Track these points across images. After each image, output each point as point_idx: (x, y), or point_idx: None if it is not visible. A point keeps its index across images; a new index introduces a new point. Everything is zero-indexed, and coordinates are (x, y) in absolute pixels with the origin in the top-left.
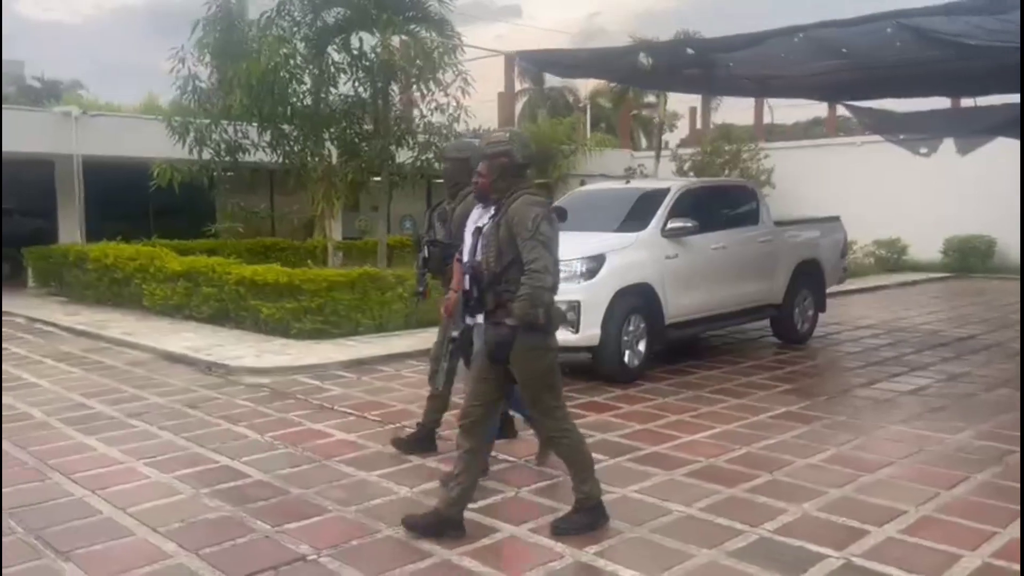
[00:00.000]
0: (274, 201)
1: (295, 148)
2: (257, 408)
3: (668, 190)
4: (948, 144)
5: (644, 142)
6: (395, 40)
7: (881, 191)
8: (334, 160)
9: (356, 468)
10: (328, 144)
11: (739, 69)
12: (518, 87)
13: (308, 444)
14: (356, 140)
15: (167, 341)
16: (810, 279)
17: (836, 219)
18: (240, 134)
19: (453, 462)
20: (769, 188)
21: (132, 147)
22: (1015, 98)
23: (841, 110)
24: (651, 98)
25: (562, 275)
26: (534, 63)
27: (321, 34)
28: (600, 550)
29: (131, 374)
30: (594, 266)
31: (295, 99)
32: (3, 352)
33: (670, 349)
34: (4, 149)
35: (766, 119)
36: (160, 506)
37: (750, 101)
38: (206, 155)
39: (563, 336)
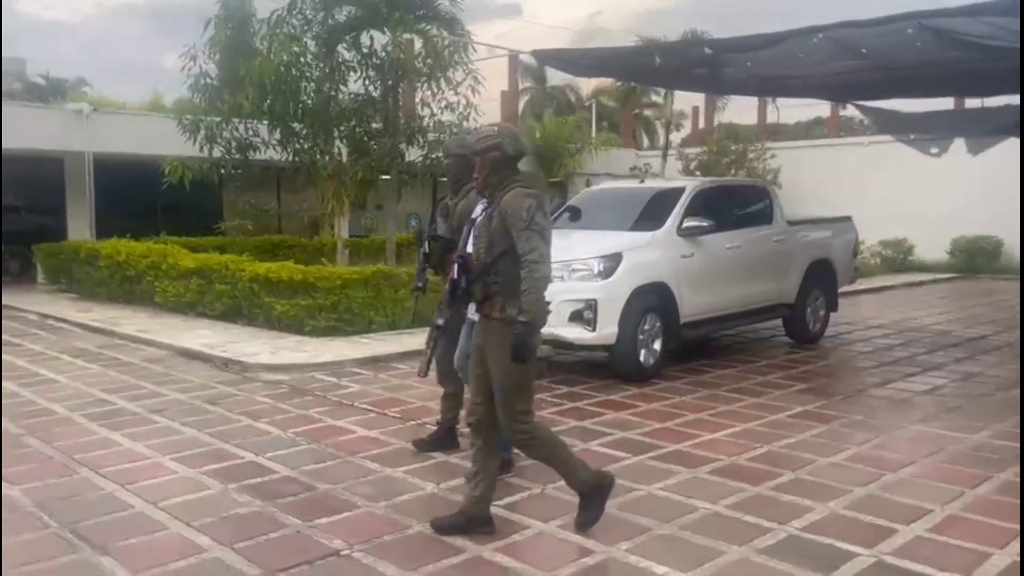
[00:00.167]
0: (281, 199)
1: (305, 146)
2: (277, 404)
3: (683, 189)
4: (957, 144)
5: (646, 141)
6: (406, 38)
7: (887, 191)
8: (344, 158)
9: (381, 464)
10: (338, 142)
11: (758, 69)
12: (520, 86)
13: (331, 441)
14: (365, 138)
15: (182, 338)
16: (822, 279)
17: (848, 219)
18: (251, 132)
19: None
20: (776, 188)
21: (142, 145)
22: None
23: (844, 110)
24: (655, 97)
25: (579, 273)
26: (549, 62)
27: (332, 32)
28: (631, 546)
29: (148, 370)
30: (611, 265)
31: (306, 97)
32: (19, 348)
33: (683, 348)
34: (16, 146)
35: (772, 119)
36: (190, 501)
37: (753, 101)
38: (216, 153)
39: (580, 334)
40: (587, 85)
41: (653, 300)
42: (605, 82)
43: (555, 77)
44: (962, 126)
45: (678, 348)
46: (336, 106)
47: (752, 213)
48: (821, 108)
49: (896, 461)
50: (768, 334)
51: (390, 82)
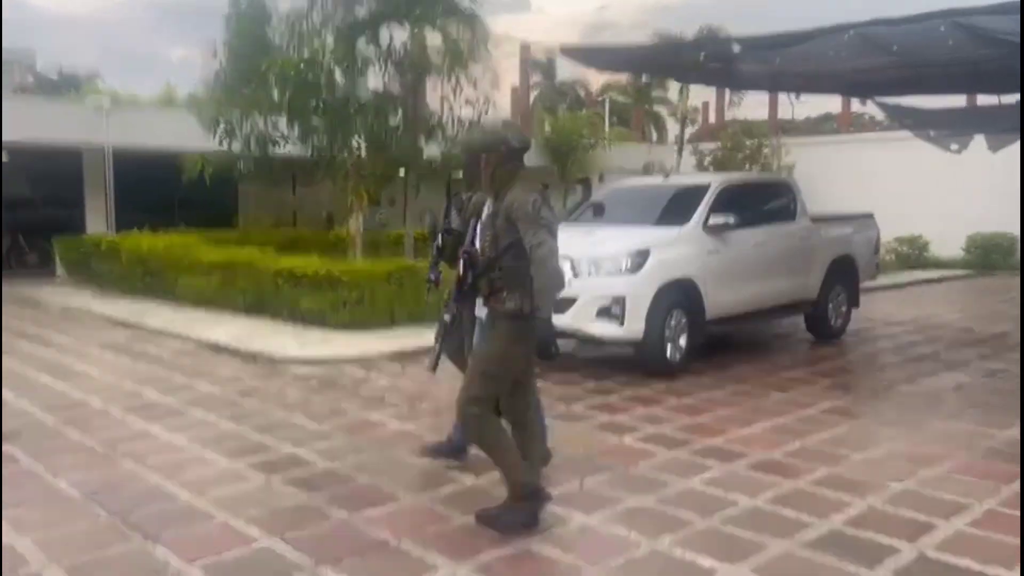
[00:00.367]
0: (296, 194)
1: (324, 141)
2: (310, 398)
3: (708, 185)
4: (977, 141)
5: (655, 136)
6: (426, 34)
7: (902, 187)
8: (363, 154)
9: (418, 457)
10: (356, 138)
11: (787, 66)
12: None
13: (367, 434)
14: (384, 134)
15: (208, 331)
16: (844, 275)
17: (870, 215)
18: (271, 126)
19: None
20: None
21: (160, 139)
22: None
23: (855, 106)
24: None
25: (607, 269)
26: (576, 57)
27: (351, 28)
28: (675, 539)
29: (178, 363)
30: (639, 260)
31: (326, 92)
32: (47, 341)
33: (707, 344)
34: (37, 139)
35: (788, 115)
36: (235, 492)
37: (763, 95)
38: (236, 148)
39: (608, 330)
40: (597, 81)
41: (680, 296)
42: (615, 77)
43: (564, 72)
44: (983, 122)
45: (703, 344)
46: (355, 101)
47: (776, 209)
48: (830, 103)
49: (930, 457)
50: (788, 330)
51: (409, 78)
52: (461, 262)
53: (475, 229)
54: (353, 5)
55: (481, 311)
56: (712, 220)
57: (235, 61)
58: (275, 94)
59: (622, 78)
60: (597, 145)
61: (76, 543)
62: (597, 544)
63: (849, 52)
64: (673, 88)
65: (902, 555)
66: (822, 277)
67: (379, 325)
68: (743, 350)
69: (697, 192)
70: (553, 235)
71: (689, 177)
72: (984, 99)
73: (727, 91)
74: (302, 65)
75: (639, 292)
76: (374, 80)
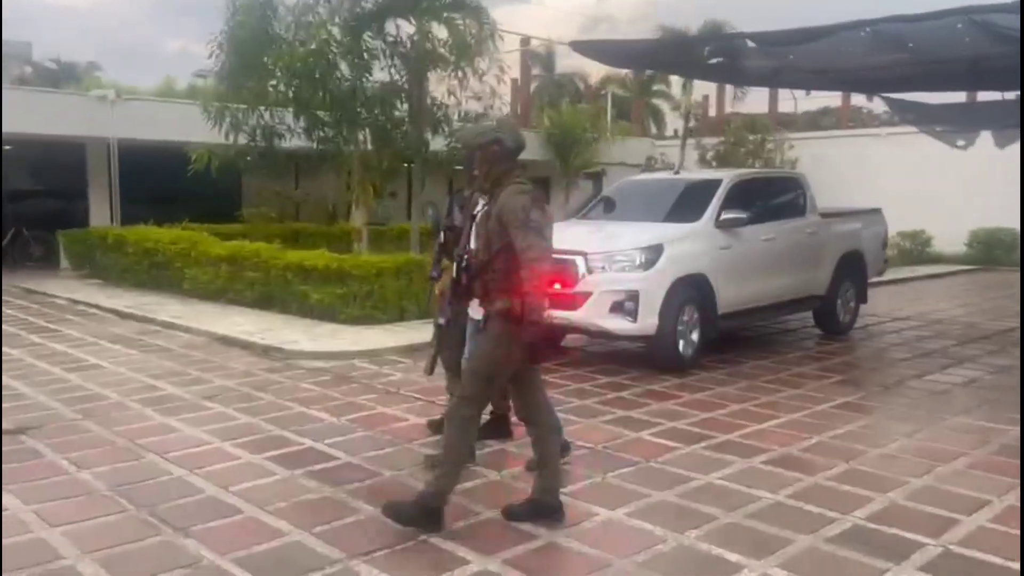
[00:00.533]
0: (299, 187)
1: (330, 134)
2: (325, 392)
3: (720, 181)
4: (983, 136)
5: (654, 130)
6: (432, 27)
7: (905, 182)
8: (369, 146)
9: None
10: (362, 131)
11: (797, 62)
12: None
13: (385, 428)
14: (390, 127)
15: (218, 324)
16: (853, 270)
17: (878, 211)
18: (276, 119)
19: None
20: None
21: (165, 131)
22: None
23: (854, 100)
24: (669, 87)
25: (620, 264)
26: (587, 52)
27: (358, 20)
28: (700, 534)
29: (190, 357)
30: (653, 256)
31: (332, 85)
32: (58, 334)
33: (717, 339)
34: (40, 131)
35: (791, 109)
36: (260, 486)
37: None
38: (241, 140)
39: (621, 325)
40: (596, 74)
41: (692, 291)
42: (615, 71)
43: (562, 65)
44: (987, 118)
45: (714, 339)
46: (362, 94)
47: (786, 204)
48: (829, 98)
49: (947, 452)
50: (796, 325)
51: (415, 70)
52: (456, 264)
53: (471, 230)
54: None
55: (475, 312)
56: (724, 216)
57: (241, 54)
58: (281, 86)
59: (622, 72)
60: (600, 139)
61: (107, 536)
62: (623, 538)
63: (864, 48)
64: (674, 82)
65: (927, 550)
66: (831, 272)
67: (389, 319)
68: (752, 346)
69: (709, 187)
70: (544, 237)
71: (700, 173)
72: (984, 95)
73: (729, 86)
74: (309, 58)
75: (653, 287)
76: (380, 73)
